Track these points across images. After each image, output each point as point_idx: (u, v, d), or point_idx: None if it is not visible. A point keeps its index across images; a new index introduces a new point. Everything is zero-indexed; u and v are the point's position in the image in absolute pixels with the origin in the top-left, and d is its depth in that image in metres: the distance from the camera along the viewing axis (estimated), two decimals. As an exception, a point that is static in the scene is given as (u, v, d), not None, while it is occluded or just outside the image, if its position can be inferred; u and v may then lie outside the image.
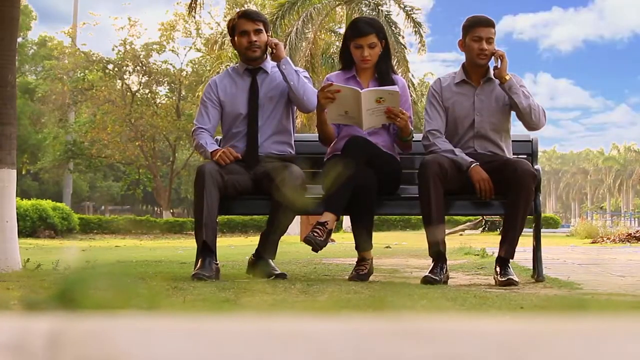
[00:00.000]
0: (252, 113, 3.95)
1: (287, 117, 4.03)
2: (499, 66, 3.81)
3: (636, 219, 41.12)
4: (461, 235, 16.42)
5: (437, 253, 3.68)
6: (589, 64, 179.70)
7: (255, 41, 3.92)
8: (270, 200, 3.69)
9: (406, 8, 18.22)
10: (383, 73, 3.94)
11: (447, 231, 16.84)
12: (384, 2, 18.22)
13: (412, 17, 18.22)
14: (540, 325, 0.42)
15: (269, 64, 4.02)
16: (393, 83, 3.87)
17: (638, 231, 13.14)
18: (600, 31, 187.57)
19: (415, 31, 18.15)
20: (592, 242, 12.38)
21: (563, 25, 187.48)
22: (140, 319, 0.42)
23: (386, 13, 17.81)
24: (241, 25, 3.94)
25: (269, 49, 3.95)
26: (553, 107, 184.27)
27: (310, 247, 3.55)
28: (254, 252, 3.86)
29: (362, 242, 3.80)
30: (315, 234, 3.50)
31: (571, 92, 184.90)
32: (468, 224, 19.34)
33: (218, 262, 3.71)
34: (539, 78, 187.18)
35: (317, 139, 4.02)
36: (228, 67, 4.31)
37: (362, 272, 3.76)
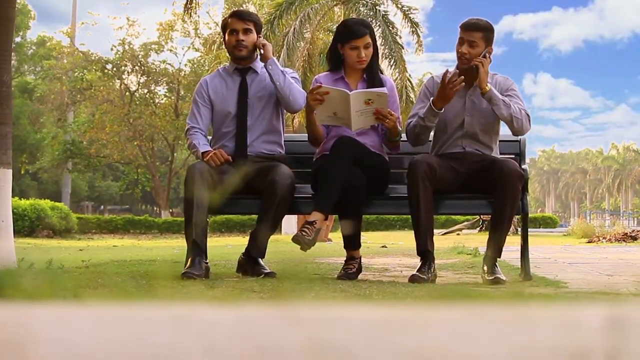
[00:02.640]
0: (241, 112, 3.99)
1: (277, 117, 4.07)
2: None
3: (635, 219, 41.16)
4: (458, 234, 16.44)
5: (425, 252, 3.72)
6: (589, 64, 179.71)
7: (242, 40, 3.96)
8: (260, 199, 3.74)
9: (404, 8, 18.23)
10: (372, 74, 3.98)
11: (444, 231, 16.75)
12: (381, 2, 18.24)
13: (410, 17, 18.24)
14: (414, 313, 0.46)
15: (259, 64, 4.06)
16: (382, 84, 3.91)
17: (634, 230, 13.17)
18: (600, 31, 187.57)
19: (413, 31, 18.16)
20: (588, 242, 12.42)
21: (563, 25, 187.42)
22: (59, 307, 0.46)
23: (383, 13, 17.83)
24: (231, 24, 4.00)
25: (258, 50, 4.00)
26: (553, 107, 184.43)
27: (299, 247, 3.59)
28: (243, 251, 3.90)
29: (351, 241, 3.85)
30: (304, 233, 3.54)
31: (571, 92, 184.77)
32: (465, 223, 19.38)
33: (208, 261, 3.75)
34: (539, 78, 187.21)
35: (307, 139, 4.06)
36: (219, 66, 4.35)
37: (350, 270, 3.80)
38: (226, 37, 4.03)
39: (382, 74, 4.09)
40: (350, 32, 3.92)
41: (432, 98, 3.83)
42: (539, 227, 29.18)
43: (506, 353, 0.42)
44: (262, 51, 3.94)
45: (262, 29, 4.22)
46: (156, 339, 0.42)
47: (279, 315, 0.44)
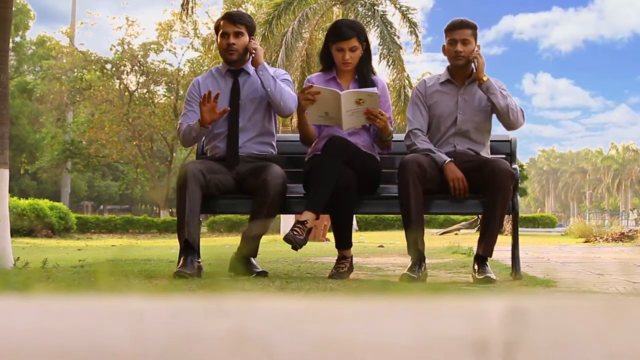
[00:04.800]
0: (233, 114, 4.01)
1: (269, 118, 4.09)
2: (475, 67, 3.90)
3: (634, 219, 41.14)
4: (456, 234, 16.47)
5: (416, 252, 3.75)
6: (589, 64, 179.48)
7: (233, 44, 3.97)
8: (252, 199, 3.77)
9: (402, 8, 18.27)
10: (363, 74, 4.01)
11: (442, 230, 16.65)
12: (379, 2, 18.28)
13: (408, 18, 18.28)
14: (333, 305, 0.49)
15: (252, 66, 4.07)
16: (373, 84, 3.94)
17: (631, 230, 13.20)
18: (600, 31, 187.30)
19: (411, 31, 18.22)
20: (585, 242, 12.44)
21: (563, 25, 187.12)
22: (4, 300, 0.50)
23: (382, 13, 17.88)
24: (223, 26, 4.01)
25: (249, 54, 4.01)
26: (553, 107, 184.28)
27: (290, 246, 3.62)
28: (235, 250, 3.94)
29: (342, 241, 3.88)
30: (295, 233, 3.57)
31: (571, 92, 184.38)
32: (463, 223, 19.38)
33: (200, 260, 3.78)
34: (539, 78, 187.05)
35: (299, 139, 4.09)
36: (212, 67, 4.37)
37: (341, 269, 3.84)
38: (218, 39, 4.05)
39: (375, 74, 4.12)
40: (337, 33, 3.96)
41: (448, 161, 3.83)
42: (538, 227, 29.21)
43: (412, 342, 0.46)
44: (253, 55, 3.95)
45: (256, 31, 4.23)
46: (89, 328, 0.45)
47: (206, 307, 0.47)
